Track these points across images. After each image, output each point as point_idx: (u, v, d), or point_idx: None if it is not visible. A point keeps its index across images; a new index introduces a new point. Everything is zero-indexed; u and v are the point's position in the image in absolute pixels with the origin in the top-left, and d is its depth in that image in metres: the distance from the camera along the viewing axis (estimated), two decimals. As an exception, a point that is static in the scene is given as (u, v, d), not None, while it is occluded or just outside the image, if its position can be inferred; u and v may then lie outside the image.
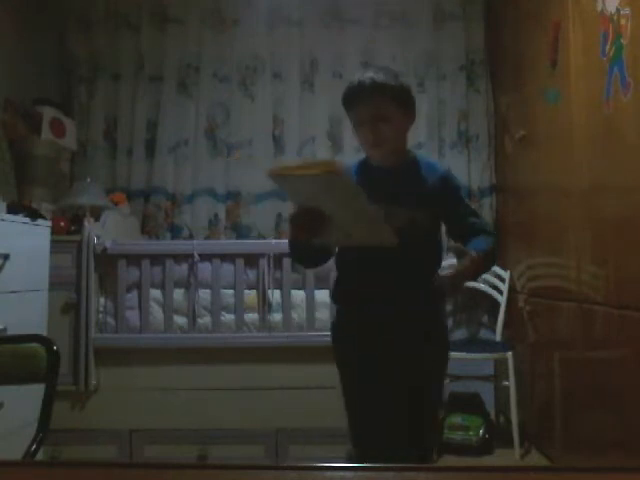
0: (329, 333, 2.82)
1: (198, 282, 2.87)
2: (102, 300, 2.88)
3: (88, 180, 3.22)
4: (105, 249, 2.85)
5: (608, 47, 2.03)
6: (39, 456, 1.56)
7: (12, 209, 2.53)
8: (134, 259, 2.89)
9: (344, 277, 1.74)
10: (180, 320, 2.86)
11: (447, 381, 3.22)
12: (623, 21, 1.93)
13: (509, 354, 2.97)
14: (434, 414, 1.78)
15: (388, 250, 1.46)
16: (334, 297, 1.78)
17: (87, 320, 2.79)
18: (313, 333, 2.81)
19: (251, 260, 2.89)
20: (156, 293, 2.89)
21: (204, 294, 2.88)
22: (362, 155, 1.73)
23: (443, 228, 1.75)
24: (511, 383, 2.94)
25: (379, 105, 1.60)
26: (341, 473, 0.90)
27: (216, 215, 3.62)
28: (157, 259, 2.90)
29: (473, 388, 3.22)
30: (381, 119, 1.60)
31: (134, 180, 3.62)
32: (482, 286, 3.35)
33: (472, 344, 3.36)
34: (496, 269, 3.32)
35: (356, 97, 1.62)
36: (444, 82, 3.65)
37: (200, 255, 2.87)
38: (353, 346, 1.67)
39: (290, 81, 3.67)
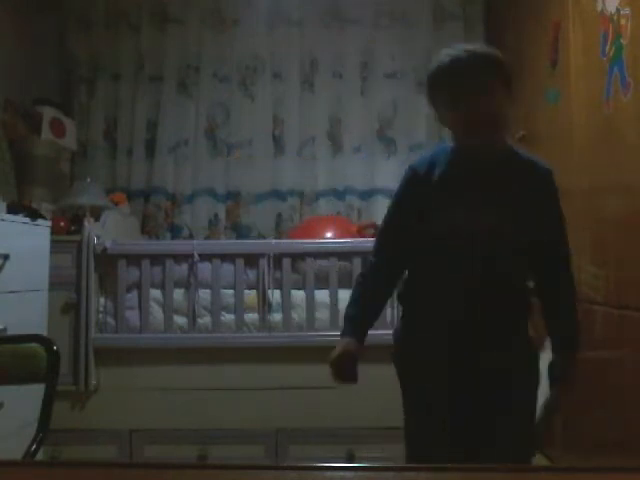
0: (329, 333, 2.83)
1: (198, 282, 2.87)
2: (102, 300, 2.88)
3: (88, 180, 3.22)
4: (105, 249, 2.84)
5: (608, 47, 2.03)
6: (39, 456, 1.56)
7: (12, 209, 2.53)
8: (134, 259, 2.89)
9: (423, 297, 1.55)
10: (180, 320, 2.86)
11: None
12: (623, 21, 1.93)
13: (509, 354, 2.96)
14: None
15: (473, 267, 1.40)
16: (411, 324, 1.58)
17: (87, 320, 2.79)
18: (313, 333, 2.81)
19: (251, 260, 2.89)
20: (156, 293, 2.88)
21: (204, 294, 2.88)
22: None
23: None
24: (511, 383, 2.94)
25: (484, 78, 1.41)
26: (341, 473, 0.90)
27: (216, 215, 3.62)
28: (157, 259, 2.89)
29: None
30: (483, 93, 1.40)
31: (134, 180, 3.62)
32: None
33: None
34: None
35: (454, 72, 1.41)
36: (444, 82, 3.64)
37: (200, 255, 2.86)
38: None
39: (290, 81, 3.67)
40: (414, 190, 1.51)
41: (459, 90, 1.41)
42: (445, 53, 1.46)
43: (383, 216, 1.62)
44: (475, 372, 1.46)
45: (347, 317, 1.55)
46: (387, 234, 1.57)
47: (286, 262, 2.86)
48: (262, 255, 2.86)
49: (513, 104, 1.50)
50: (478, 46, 1.48)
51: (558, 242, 1.53)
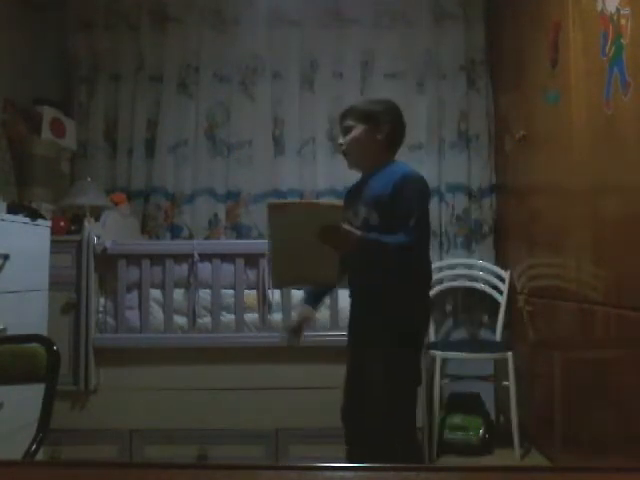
0: (328, 333, 2.84)
1: (198, 282, 2.87)
2: (102, 300, 2.88)
3: (88, 180, 3.22)
4: (105, 249, 2.84)
5: (608, 47, 2.03)
6: (39, 456, 1.56)
7: (12, 209, 2.53)
8: (134, 259, 2.89)
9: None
10: (180, 320, 2.86)
11: (446, 381, 3.22)
12: (623, 21, 1.93)
13: (509, 354, 2.97)
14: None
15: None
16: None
17: (87, 320, 2.79)
18: (313, 333, 2.80)
19: (251, 260, 2.89)
20: (156, 293, 2.88)
21: (204, 294, 2.88)
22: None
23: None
24: (511, 383, 2.94)
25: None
26: (341, 473, 0.90)
27: (216, 215, 3.62)
28: (157, 259, 2.89)
29: (473, 388, 3.22)
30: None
31: (134, 180, 3.61)
32: (482, 286, 3.35)
33: (472, 344, 3.36)
34: (496, 269, 3.32)
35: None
36: (444, 82, 3.64)
37: (200, 255, 2.87)
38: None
39: (290, 81, 3.66)
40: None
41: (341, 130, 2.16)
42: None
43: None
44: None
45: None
46: None
47: (286, 262, 2.85)
48: (262, 255, 2.86)
49: (378, 136, 2.10)
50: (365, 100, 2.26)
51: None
